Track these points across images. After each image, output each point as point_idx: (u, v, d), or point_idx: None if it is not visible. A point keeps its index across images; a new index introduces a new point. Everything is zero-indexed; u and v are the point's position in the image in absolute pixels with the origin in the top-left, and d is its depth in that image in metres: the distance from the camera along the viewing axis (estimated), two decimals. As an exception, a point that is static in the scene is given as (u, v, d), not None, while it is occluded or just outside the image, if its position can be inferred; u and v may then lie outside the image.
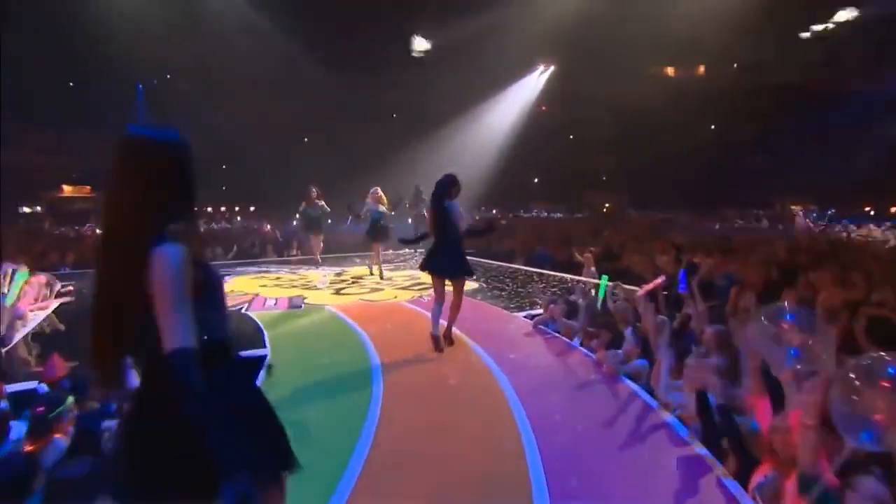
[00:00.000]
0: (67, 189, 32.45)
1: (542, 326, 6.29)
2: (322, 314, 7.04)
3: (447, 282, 5.84)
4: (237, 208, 30.75)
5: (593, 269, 9.80)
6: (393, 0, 23.24)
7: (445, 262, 5.77)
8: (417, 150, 24.56)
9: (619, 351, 5.01)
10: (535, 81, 27.23)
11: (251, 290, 8.61)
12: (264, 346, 5.63)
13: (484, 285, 8.94)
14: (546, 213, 27.19)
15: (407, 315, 6.87)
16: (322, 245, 10.87)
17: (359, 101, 26.84)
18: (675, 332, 4.90)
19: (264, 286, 8.97)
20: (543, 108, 28.60)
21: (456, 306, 5.85)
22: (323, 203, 10.31)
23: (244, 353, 5.33)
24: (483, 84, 24.83)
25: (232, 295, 8.24)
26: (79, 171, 30.30)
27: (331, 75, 25.15)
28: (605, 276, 6.31)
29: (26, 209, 30.37)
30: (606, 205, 31.65)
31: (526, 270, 10.54)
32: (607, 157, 29.50)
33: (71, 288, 8.71)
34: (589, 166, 29.90)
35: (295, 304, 7.52)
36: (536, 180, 32.27)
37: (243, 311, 7.19)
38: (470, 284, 8.92)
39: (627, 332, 5.51)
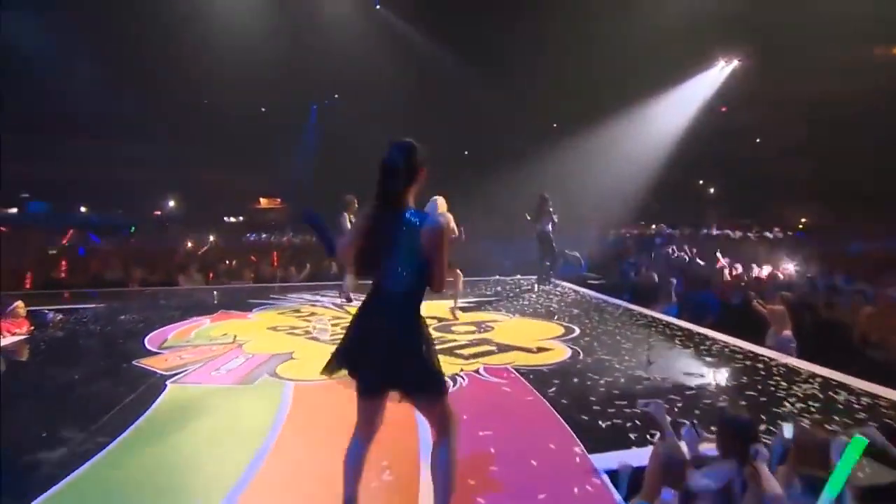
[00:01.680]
0: (263, 201, 34.34)
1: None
2: (259, 406, 3.81)
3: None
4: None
5: (787, 332, 5.26)
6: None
7: (375, 352, 2.17)
8: (575, 158, 20.69)
9: None
10: (713, 78, 21.70)
11: (247, 335, 5.71)
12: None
13: (577, 351, 4.98)
14: (718, 231, 20.91)
15: (402, 433, 3.25)
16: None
17: (517, 112, 24.04)
18: None
19: (273, 328, 6.05)
20: (723, 108, 22.88)
21: (439, 455, 2.22)
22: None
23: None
24: (650, 81, 20.13)
25: (214, 341, 5.43)
26: (271, 185, 31.76)
27: (489, 85, 23.14)
28: (859, 438, 2.04)
29: (232, 219, 32.22)
30: (803, 220, 24.36)
31: (668, 324, 6.26)
32: (804, 163, 22.66)
33: (59, 317, 6.64)
34: (780, 174, 23.25)
35: (250, 378, 4.39)
36: (712, 191, 26.04)
37: (170, 382, 4.26)
38: (556, 351, 5.06)
39: None
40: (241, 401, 3.91)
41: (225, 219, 31.42)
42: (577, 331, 5.83)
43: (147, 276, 9.22)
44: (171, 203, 31.93)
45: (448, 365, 4.58)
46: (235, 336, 5.62)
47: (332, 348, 2.28)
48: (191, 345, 5.36)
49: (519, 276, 10.13)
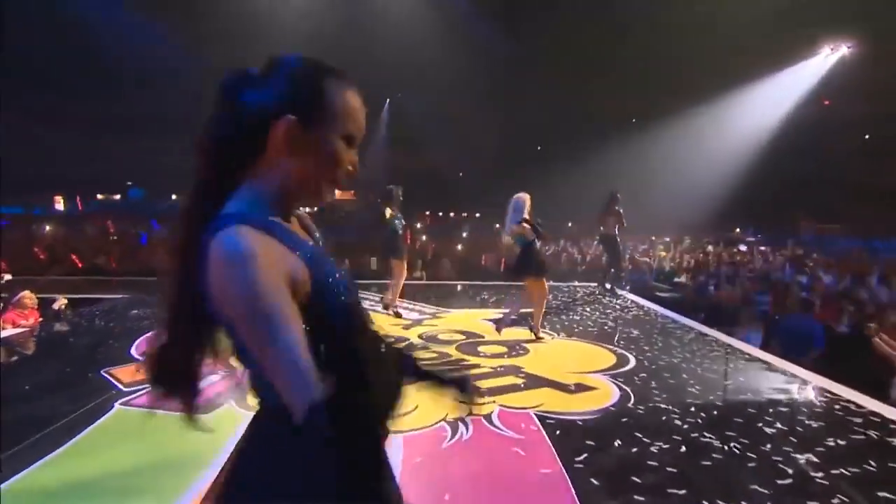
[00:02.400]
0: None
1: None
2: (197, 446, 2.93)
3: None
4: (464, 214, 29.54)
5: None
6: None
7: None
8: (655, 155, 18.86)
9: None
10: (816, 67, 18.95)
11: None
12: None
13: (628, 395, 3.74)
14: (813, 237, 17.85)
15: None
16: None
17: (595, 107, 22.42)
18: None
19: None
20: (826, 101, 19.93)
21: None
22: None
23: None
24: (742, 70, 17.81)
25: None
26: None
27: (565, 81, 21.82)
28: None
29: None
30: (920, 228, 20.91)
31: (753, 358, 4.83)
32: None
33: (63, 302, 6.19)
34: (891, 175, 20.03)
35: (209, 405, 3.51)
36: (809, 193, 23.03)
37: (119, 403, 3.51)
38: (600, 391, 3.84)
39: None
40: (181, 438, 3.06)
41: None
42: (633, 361, 4.56)
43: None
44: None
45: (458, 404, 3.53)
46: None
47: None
48: (177, 352, 4.65)
49: (576, 283, 8.84)
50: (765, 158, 18.51)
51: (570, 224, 22.01)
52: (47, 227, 11.70)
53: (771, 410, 3.52)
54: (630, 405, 3.60)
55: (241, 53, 18.73)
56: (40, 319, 5.71)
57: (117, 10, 15.62)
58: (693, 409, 3.53)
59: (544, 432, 3.13)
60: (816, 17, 15.99)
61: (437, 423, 3.21)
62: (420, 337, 5.26)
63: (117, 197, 30.66)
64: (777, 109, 19.22)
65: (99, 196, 29.65)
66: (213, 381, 3.88)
